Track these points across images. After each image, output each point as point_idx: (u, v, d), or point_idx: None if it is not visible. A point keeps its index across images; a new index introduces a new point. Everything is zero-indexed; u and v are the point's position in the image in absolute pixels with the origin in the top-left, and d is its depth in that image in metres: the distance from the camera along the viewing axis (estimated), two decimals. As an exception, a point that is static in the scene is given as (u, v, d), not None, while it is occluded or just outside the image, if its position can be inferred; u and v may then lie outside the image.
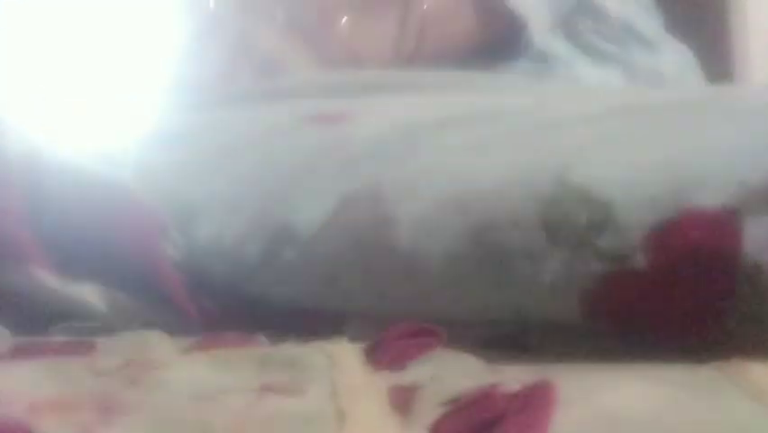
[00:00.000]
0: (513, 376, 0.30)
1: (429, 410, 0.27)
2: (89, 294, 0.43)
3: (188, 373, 0.31)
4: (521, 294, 0.38)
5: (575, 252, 0.36)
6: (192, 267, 0.43)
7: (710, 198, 0.35)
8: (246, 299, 0.42)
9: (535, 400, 0.26)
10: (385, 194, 0.40)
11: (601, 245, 0.36)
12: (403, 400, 0.28)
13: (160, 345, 0.37)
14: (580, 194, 0.36)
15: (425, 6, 0.61)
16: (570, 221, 0.36)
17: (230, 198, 0.43)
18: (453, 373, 0.32)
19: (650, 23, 0.72)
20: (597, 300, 0.36)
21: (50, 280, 0.43)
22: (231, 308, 0.42)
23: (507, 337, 0.39)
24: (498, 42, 0.66)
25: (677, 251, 0.35)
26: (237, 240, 0.42)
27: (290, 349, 0.36)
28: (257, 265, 0.42)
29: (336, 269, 0.40)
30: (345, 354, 0.34)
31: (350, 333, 0.41)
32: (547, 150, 0.40)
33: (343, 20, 0.62)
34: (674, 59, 0.73)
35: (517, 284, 0.37)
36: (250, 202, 0.43)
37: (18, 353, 0.36)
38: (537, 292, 0.37)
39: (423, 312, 0.40)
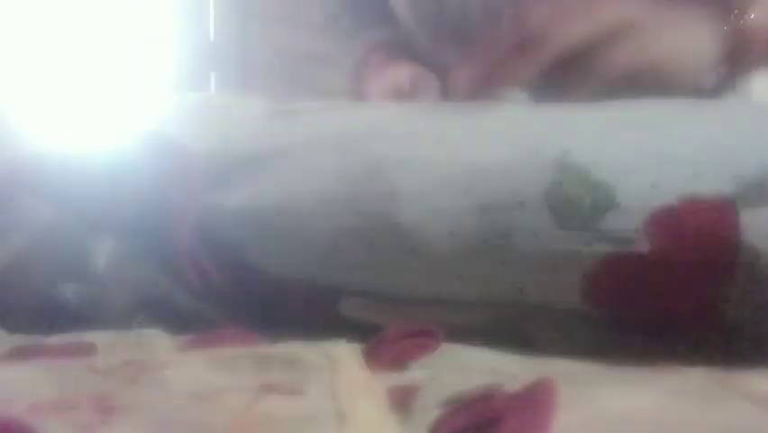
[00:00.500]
0: (513, 376, 0.30)
1: (429, 411, 0.27)
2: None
3: (188, 373, 0.31)
4: (523, 272, 0.38)
5: (579, 233, 0.37)
6: (199, 228, 0.43)
7: (708, 187, 0.36)
8: (245, 268, 0.42)
9: (536, 401, 0.26)
10: (386, 169, 0.40)
11: (604, 228, 0.37)
12: (403, 401, 0.28)
13: (159, 344, 0.37)
14: (582, 177, 0.38)
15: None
16: (574, 204, 0.37)
17: None
18: (453, 374, 0.32)
19: None
20: (597, 282, 0.37)
21: (46, 211, 0.43)
22: (229, 274, 0.42)
23: (508, 325, 0.39)
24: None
25: (678, 236, 0.36)
26: (238, 209, 0.42)
27: (289, 349, 0.36)
28: (256, 234, 0.42)
29: (337, 241, 0.40)
30: (344, 355, 0.34)
31: (344, 310, 0.41)
32: (547, 132, 0.41)
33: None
34: None
35: (520, 262, 0.38)
36: None
37: (17, 354, 0.36)
38: (539, 271, 0.38)
39: (424, 290, 0.40)
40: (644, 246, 0.36)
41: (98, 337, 0.39)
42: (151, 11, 1.61)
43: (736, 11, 0.52)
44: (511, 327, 0.40)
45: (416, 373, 0.33)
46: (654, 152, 0.38)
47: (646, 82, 0.48)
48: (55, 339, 0.39)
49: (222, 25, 1.67)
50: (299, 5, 1.76)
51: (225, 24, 1.68)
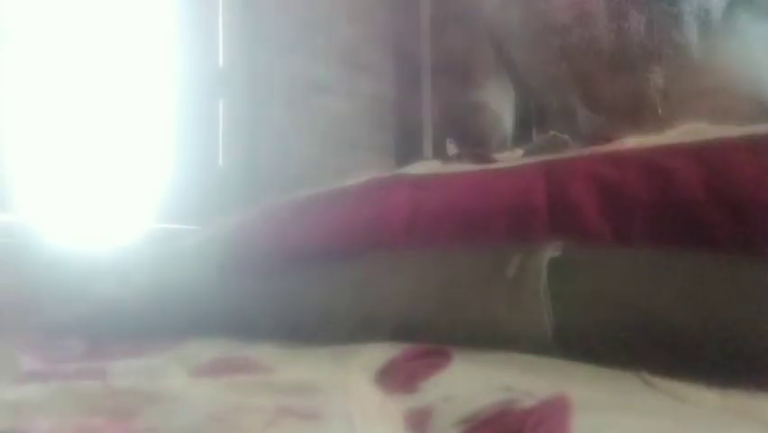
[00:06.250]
0: (527, 393, 0.30)
1: (446, 431, 0.27)
2: None
3: (204, 395, 0.31)
4: None
5: None
6: None
7: None
8: None
9: (552, 415, 0.26)
10: None
11: None
12: (419, 423, 0.28)
13: (172, 370, 0.37)
14: None
15: None
16: None
17: None
18: (466, 392, 0.32)
19: None
20: None
21: None
22: None
23: None
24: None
25: None
26: None
27: (303, 375, 0.36)
28: None
29: None
30: (358, 379, 0.34)
31: None
32: None
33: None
34: None
35: None
36: None
37: (33, 376, 0.36)
38: None
39: None
40: None
41: (109, 364, 0.38)
42: (159, 36, 1.62)
43: None
44: None
45: (430, 393, 0.32)
46: None
47: None
48: (67, 364, 0.39)
49: (231, 52, 1.68)
50: (309, 32, 1.77)
51: (234, 51, 1.68)
